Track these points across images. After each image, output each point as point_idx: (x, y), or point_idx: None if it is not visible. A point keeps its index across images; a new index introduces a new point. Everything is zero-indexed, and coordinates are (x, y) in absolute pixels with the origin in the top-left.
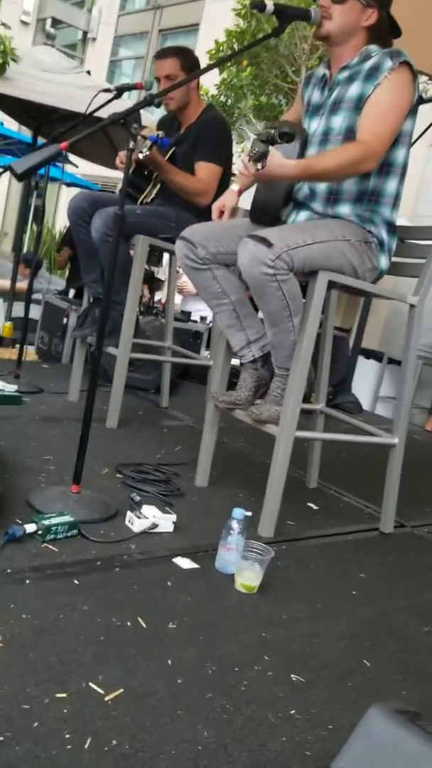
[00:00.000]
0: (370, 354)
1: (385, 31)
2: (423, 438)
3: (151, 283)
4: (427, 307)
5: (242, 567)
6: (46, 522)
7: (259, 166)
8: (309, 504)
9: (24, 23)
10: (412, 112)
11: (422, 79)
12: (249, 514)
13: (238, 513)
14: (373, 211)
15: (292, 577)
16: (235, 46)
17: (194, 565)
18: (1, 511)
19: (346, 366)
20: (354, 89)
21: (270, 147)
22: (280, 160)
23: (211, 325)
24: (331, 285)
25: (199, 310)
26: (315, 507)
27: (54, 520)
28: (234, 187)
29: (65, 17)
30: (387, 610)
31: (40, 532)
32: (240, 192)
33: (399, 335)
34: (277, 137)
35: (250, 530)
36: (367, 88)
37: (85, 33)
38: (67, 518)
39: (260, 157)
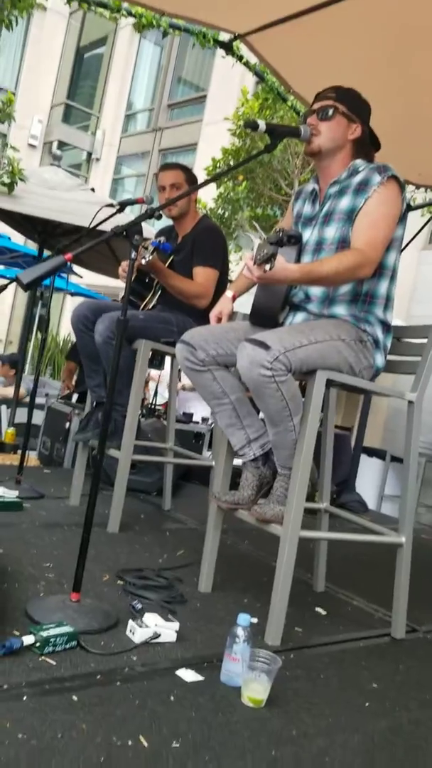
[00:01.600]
0: (372, 452)
1: (367, 145)
2: (431, 537)
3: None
4: (428, 405)
5: (249, 679)
6: (44, 633)
7: (268, 267)
8: (317, 609)
9: (32, 146)
10: (402, 220)
11: (410, 187)
12: (255, 620)
13: (243, 619)
14: (367, 311)
15: (302, 688)
16: (231, 162)
17: (199, 678)
18: None
19: (349, 465)
20: (345, 202)
21: (278, 249)
22: (284, 264)
23: (213, 425)
24: (330, 383)
25: (198, 407)
26: (323, 612)
27: (52, 631)
28: (228, 293)
29: (71, 140)
30: (402, 722)
31: (38, 644)
32: (234, 298)
33: (400, 433)
34: (285, 240)
35: (256, 638)
36: (357, 201)
37: (89, 154)
38: (66, 629)
39: (269, 259)
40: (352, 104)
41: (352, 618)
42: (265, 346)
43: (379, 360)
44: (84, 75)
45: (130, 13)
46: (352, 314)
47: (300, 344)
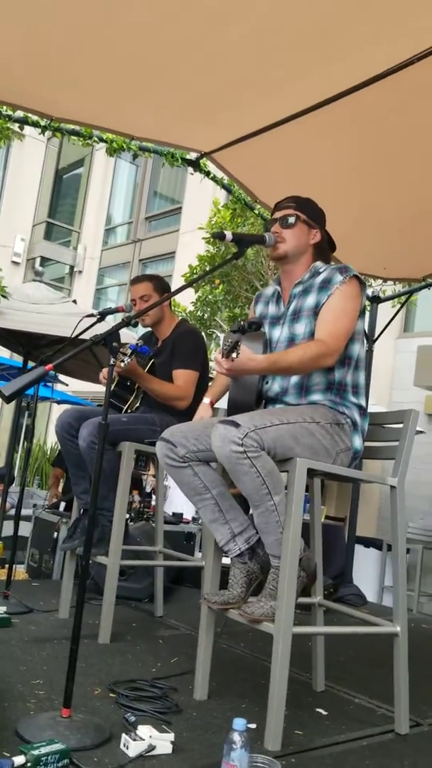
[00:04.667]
0: (369, 542)
1: (325, 248)
2: None
3: (140, 487)
4: (420, 490)
5: None
6: (36, 752)
7: (234, 355)
8: (317, 709)
9: (15, 263)
10: (362, 314)
11: (378, 280)
12: (253, 726)
13: (239, 724)
14: (342, 397)
15: None
16: (207, 267)
17: None
18: None
19: (344, 556)
20: (310, 300)
21: (241, 337)
22: (251, 354)
23: (203, 524)
24: (312, 473)
25: (184, 501)
26: (324, 712)
27: (44, 750)
28: (206, 400)
29: (53, 255)
30: None
31: (29, 764)
32: (212, 403)
33: None
34: (246, 326)
35: (255, 743)
36: (321, 297)
37: (71, 267)
38: (57, 746)
39: (233, 348)
40: (310, 212)
41: (354, 716)
42: (235, 424)
43: (357, 442)
44: (64, 194)
45: (101, 139)
46: (329, 399)
47: (270, 423)
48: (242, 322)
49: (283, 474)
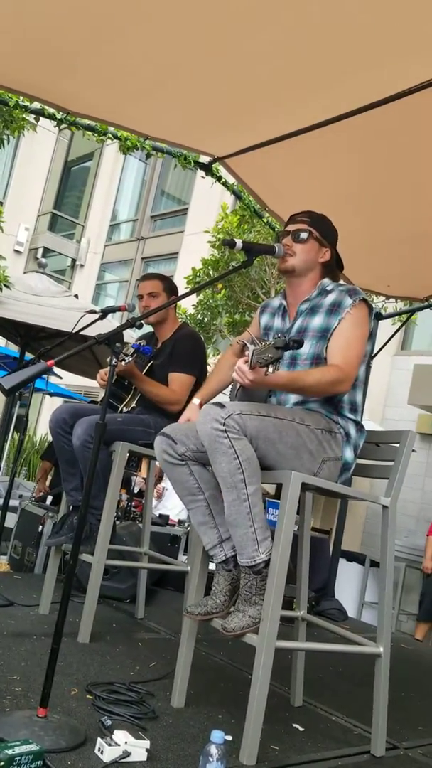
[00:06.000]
0: (352, 557)
1: (334, 266)
2: (412, 647)
3: (129, 487)
4: (407, 508)
5: None
6: (9, 752)
7: (271, 370)
8: (294, 725)
9: (17, 252)
10: (370, 337)
11: (380, 297)
12: (229, 738)
13: (217, 736)
14: (338, 411)
15: None
16: (211, 272)
17: None
18: None
19: (327, 570)
20: (317, 321)
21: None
22: None
23: (189, 528)
24: (305, 487)
25: (175, 506)
26: (300, 728)
27: (18, 750)
28: (195, 401)
29: (56, 247)
30: None
31: (1, 764)
32: (201, 405)
33: (378, 536)
34: (291, 344)
35: (230, 756)
36: (331, 321)
37: (74, 260)
38: (32, 747)
39: (273, 362)
40: (323, 230)
41: (330, 734)
42: (221, 406)
43: (348, 454)
44: (71, 186)
45: (115, 136)
46: (325, 408)
47: (258, 413)
48: (288, 340)
49: (271, 486)
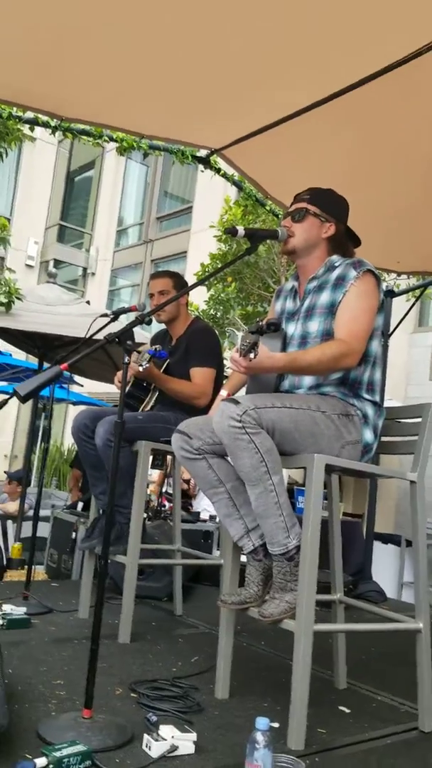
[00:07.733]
0: (387, 539)
1: (344, 241)
2: None
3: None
4: None
5: None
6: (57, 754)
7: (252, 356)
8: (340, 707)
9: (29, 266)
10: (381, 309)
11: (392, 274)
12: (276, 725)
13: (262, 723)
14: (355, 392)
15: None
16: (219, 265)
17: None
18: (9, 745)
19: (362, 553)
20: (324, 297)
21: (260, 338)
22: (268, 352)
23: (220, 522)
24: (330, 469)
25: (208, 505)
26: (347, 710)
27: (66, 751)
28: (223, 392)
29: (66, 258)
30: None
31: (51, 766)
32: (229, 396)
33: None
34: (265, 327)
35: (278, 742)
36: (336, 295)
37: (84, 269)
38: (79, 748)
39: (251, 348)
40: (325, 205)
41: (377, 714)
42: (235, 402)
43: (368, 436)
44: (75, 197)
45: (111, 139)
46: (340, 391)
47: (272, 405)
48: (261, 323)
49: (296, 471)
